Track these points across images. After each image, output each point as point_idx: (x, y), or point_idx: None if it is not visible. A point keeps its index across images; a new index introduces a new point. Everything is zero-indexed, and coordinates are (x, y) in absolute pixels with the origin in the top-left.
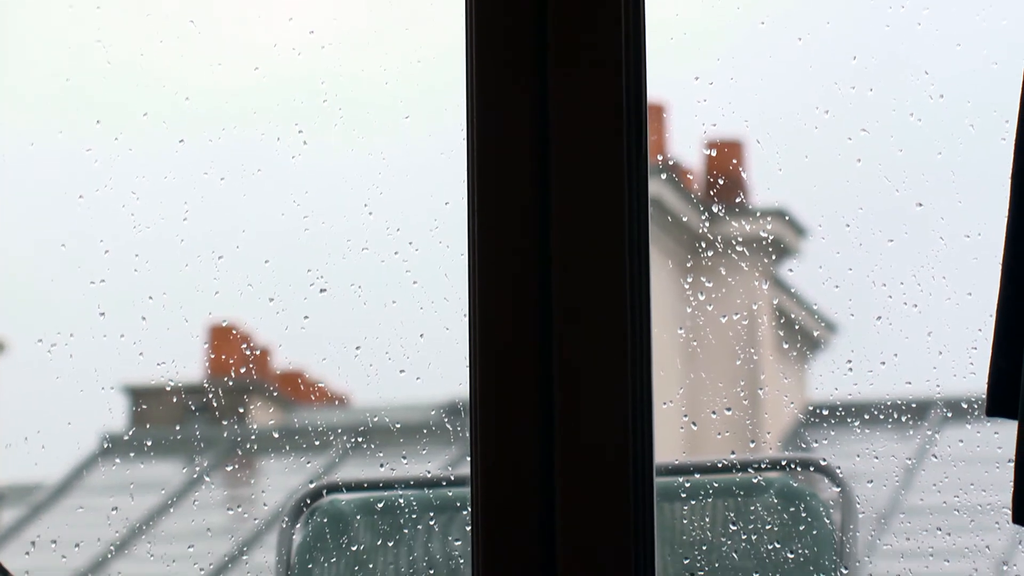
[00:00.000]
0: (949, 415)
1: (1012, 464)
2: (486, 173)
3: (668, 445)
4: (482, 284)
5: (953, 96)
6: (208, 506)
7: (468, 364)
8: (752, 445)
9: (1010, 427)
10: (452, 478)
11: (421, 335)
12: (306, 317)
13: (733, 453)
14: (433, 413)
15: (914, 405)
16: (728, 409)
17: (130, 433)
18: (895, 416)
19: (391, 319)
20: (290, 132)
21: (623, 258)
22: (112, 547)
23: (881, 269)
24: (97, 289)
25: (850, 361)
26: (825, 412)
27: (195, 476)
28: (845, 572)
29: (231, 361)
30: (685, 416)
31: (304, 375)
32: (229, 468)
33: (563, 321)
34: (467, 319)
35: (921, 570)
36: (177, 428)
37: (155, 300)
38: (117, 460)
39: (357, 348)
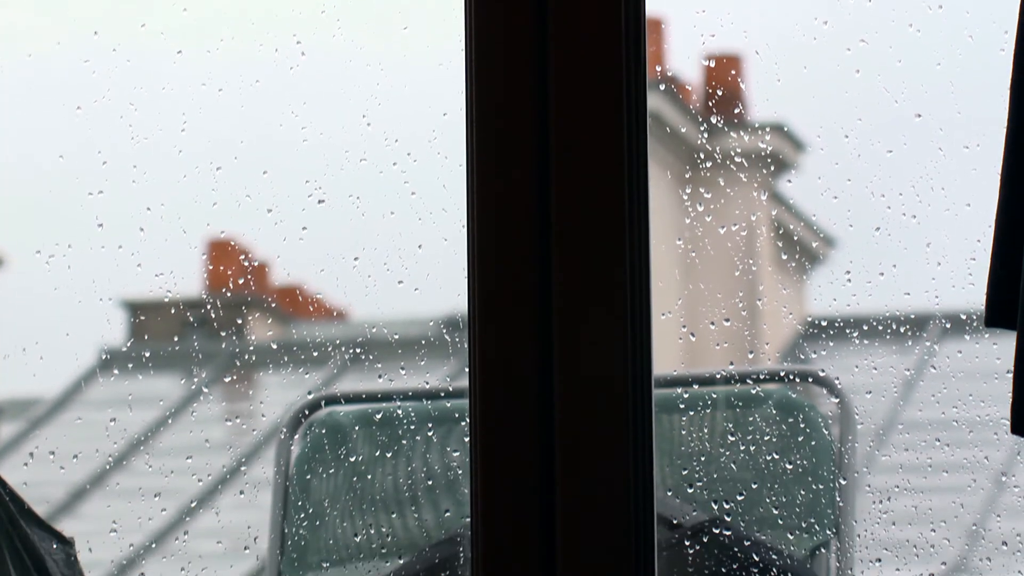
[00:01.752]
0: (948, 326)
1: (1011, 376)
2: (484, 84)
3: (667, 356)
4: (480, 195)
5: (952, 6)
6: (206, 419)
7: (467, 276)
8: (751, 356)
9: (1009, 339)
10: (451, 389)
11: (420, 246)
12: (304, 228)
13: (732, 364)
14: (432, 324)
15: (913, 317)
16: (727, 320)
17: (128, 344)
18: (894, 327)
19: (389, 230)
20: (288, 43)
21: (622, 170)
22: (110, 458)
23: (880, 180)
24: (95, 201)
25: (849, 272)
26: (824, 323)
27: (193, 389)
28: (843, 483)
29: (229, 271)
30: (684, 327)
31: (302, 289)
32: (228, 380)
33: (562, 232)
34: (465, 230)
35: (920, 483)
36: (175, 339)
37: (153, 212)
38: (116, 371)
39: (355, 259)
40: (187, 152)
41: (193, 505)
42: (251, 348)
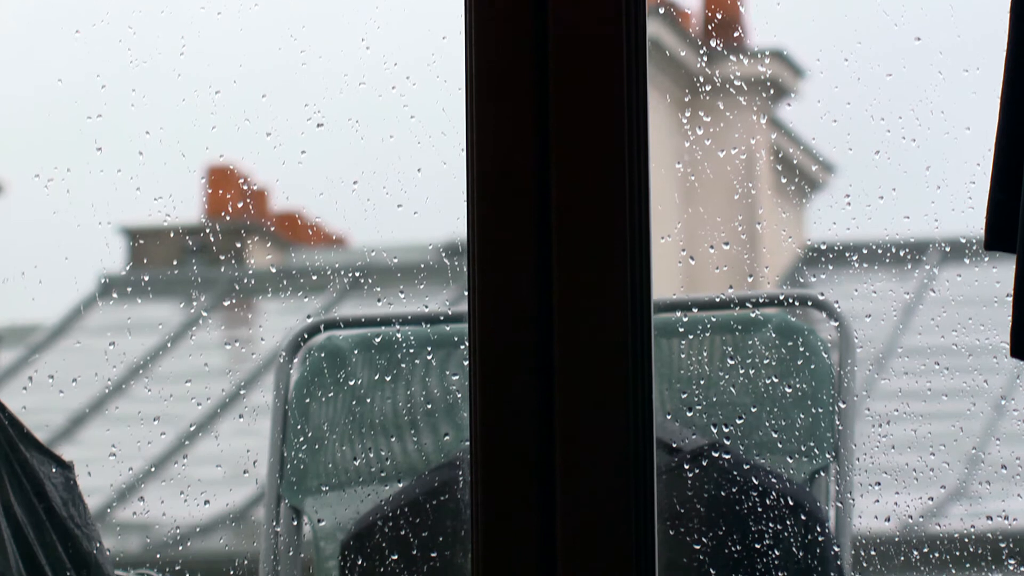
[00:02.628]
0: (948, 251)
1: (1011, 300)
2: (483, 7)
3: (666, 280)
4: (479, 118)
5: None
6: (206, 345)
7: (466, 200)
8: (750, 280)
9: (1008, 263)
10: (450, 313)
11: (419, 170)
12: (303, 152)
13: (731, 288)
14: (431, 247)
15: (912, 241)
16: (726, 244)
17: (126, 269)
18: (893, 251)
19: (388, 154)
20: None
21: (622, 94)
22: (109, 380)
23: (879, 104)
24: (94, 125)
25: (848, 197)
26: (823, 247)
27: (192, 314)
28: (843, 407)
29: (228, 195)
30: (683, 251)
31: (301, 215)
32: (227, 305)
33: (562, 155)
34: (464, 154)
35: (919, 408)
36: (175, 264)
37: (152, 136)
38: (115, 295)
39: (355, 183)
40: (186, 76)
41: (192, 428)
42: (250, 272)
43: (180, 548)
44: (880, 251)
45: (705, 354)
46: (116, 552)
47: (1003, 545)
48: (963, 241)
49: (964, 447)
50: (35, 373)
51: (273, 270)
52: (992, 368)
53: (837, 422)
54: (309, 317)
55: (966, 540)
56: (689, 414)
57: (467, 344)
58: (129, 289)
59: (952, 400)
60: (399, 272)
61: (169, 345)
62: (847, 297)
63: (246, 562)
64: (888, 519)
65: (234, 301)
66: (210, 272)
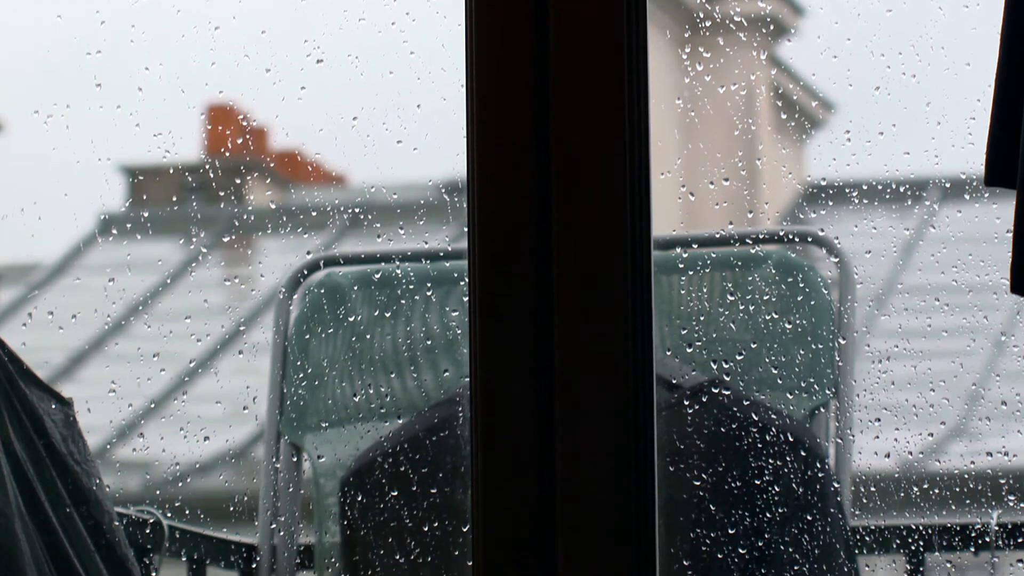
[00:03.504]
0: (948, 186)
1: (1011, 236)
2: None
3: (666, 216)
4: (479, 53)
5: None
6: (206, 283)
7: (466, 135)
8: (750, 216)
9: (1008, 200)
10: (450, 250)
11: (418, 106)
12: (303, 88)
13: (731, 224)
14: (431, 183)
15: (912, 177)
16: (726, 180)
17: (126, 206)
18: (893, 187)
19: (388, 90)
20: None
21: (621, 31)
22: (108, 317)
23: (879, 40)
24: (93, 61)
25: (848, 133)
26: (823, 183)
27: (192, 250)
28: (843, 343)
29: (228, 131)
30: (683, 187)
31: (301, 152)
32: (227, 245)
33: (561, 91)
34: (464, 90)
35: (919, 345)
36: (174, 200)
37: (152, 72)
38: (114, 231)
39: (354, 119)
40: (185, 12)
41: (192, 364)
42: (249, 209)
43: (180, 485)
44: (880, 187)
45: (705, 290)
46: (116, 490)
47: (1003, 482)
48: (963, 177)
49: (964, 384)
50: (35, 310)
51: (273, 206)
52: (992, 305)
53: (837, 358)
54: (309, 254)
55: (966, 477)
56: (689, 350)
57: (467, 279)
58: (129, 226)
59: (952, 337)
60: (399, 209)
61: (169, 282)
62: (847, 234)
63: (246, 498)
64: (888, 455)
65: (234, 238)
66: (210, 210)
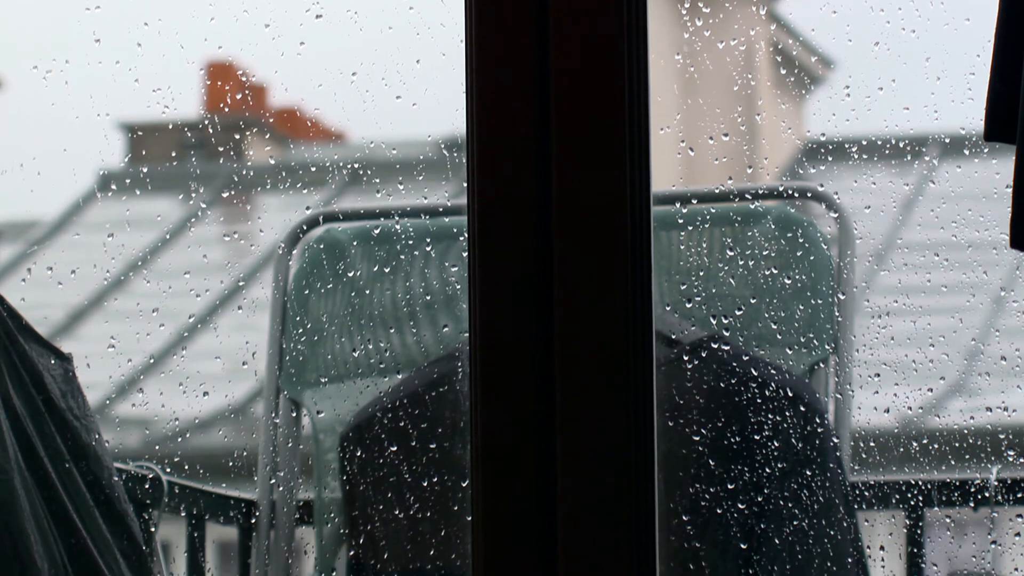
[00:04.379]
0: (947, 142)
1: (1010, 191)
2: None
3: (665, 172)
4: (478, 7)
5: None
6: (205, 240)
7: (465, 91)
8: (749, 171)
9: (1008, 157)
10: (449, 205)
11: (417, 61)
12: (302, 44)
13: (730, 179)
14: (430, 138)
15: (912, 132)
16: (725, 135)
17: (125, 160)
18: (893, 143)
19: (387, 45)
20: None
21: None
22: (107, 272)
23: None
24: (92, 16)
25: (847, 88)
26: (822, 138)
27: (191, 205)
28: (842, 298)
29: (227, 86)
30: (683, 142)
31: (300, 110)
32: (226, 201)
33: (561, 46)
34: (463, 44)
35: (919, 301)
36: (173, 155)
37: (151, 28)
38: (114, 186)
39: (353, 75)
40: None
41: (191, 319)
42: (249, 164)
43: (179, 440)
44: (880, 143)
45: (704, 246)
46: (115, 446)
47: (1002, 437)
48: (963, 133)
49: (964, 340)
50: (34, 266)
51: (272, 161)
52: (992, 262)
53: (836, 314)
54: (308, 209)
55: (965, 432)
56: (688, 306)
57: (467, 235)
58: (128, 181)
59: (952, 293)
60: (398, 164)
61: (168, 238)
62: (846, 190)
63: (245, 454)
64: (887, 410)
65: (233, 192)
66: (209, 166)
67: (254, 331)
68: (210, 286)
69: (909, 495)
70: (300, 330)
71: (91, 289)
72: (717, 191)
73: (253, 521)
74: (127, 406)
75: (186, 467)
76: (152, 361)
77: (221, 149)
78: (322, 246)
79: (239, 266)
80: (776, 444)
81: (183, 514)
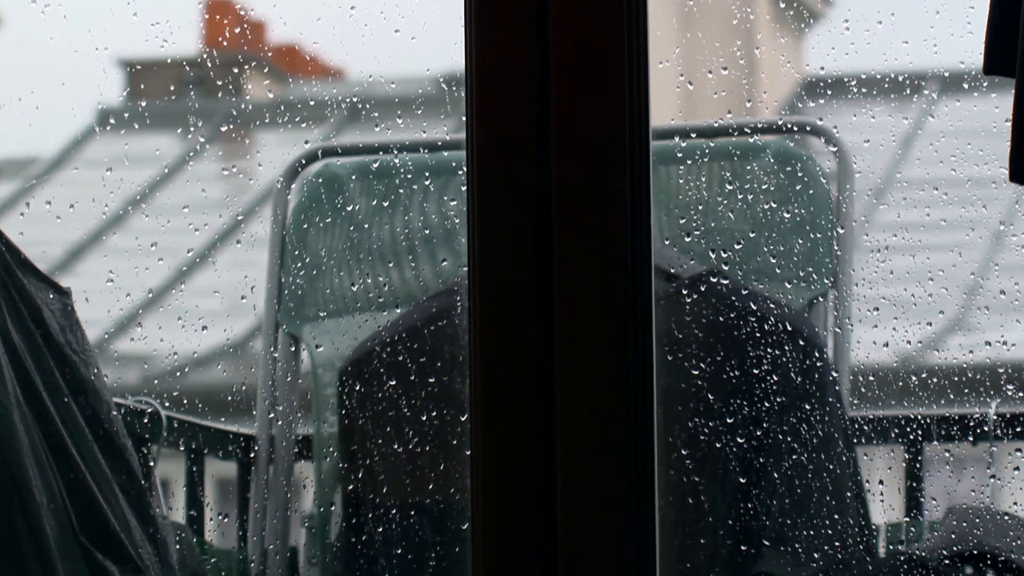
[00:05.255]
0: (946, 76)
1: (1009, 124)
2: None
3: (664, 107)
4: None
5: None
6: (204, 176)
7: (463, 24)
8: (748, 105)
9: (1008, 92)
10: (448, 139)
11: None
12: None
13: (729, 114)
14: (429, 72)
15: (911, 67)
16: (724, 69)
17: (123, 95)
18: (892, 77)
19: None
20: None
21: None
22: (106, 206)
23: None
24: None
25: (847, 22)
26: (822, 72)
27: (190, 139)
28: (841, 232)
29: (226, 24)
30: (682, 76)
31: (299, 46)
32: (225, 137)
33: None
34: None
35: (919, 237)
36: (172, 88)
37: None
38: (112, 120)
39: (352, 8)
40: None
41: (190, 253)
42: (247, 99)
43: (178, 375)
44: (879, 78)
45: (703, 180)
46: (114, 382)
47: (1001, 371)
48: (962, 67)
49: (963, 275)
50: (32, 200)
51: (271, 95)
52: (992, 198)
53: (836, 248)
54: (307, 143)
55: (964, 367)
56: (687, 240)
57: (465, 169)
58: (127, 116)
59: (951, 229)
60: (397, 98)
61: (167, 172)
62: (846, 125)
63: (244, 387)
64: (887, 345)
65: (232, 127)
66: (208, 103)
67: (253, 267)
68: (209, 221)
69: (908, 430)
70: (299, 265)
71: (90, 225)
72: (716, 125)
73: (252, 456)
74: (126, 342)
75: (185, 402)
76: (151, 295)
77: (220, 84)
78: (321, 180)
79: (238, 202)
80: (775, 378)
81: (182, 449)
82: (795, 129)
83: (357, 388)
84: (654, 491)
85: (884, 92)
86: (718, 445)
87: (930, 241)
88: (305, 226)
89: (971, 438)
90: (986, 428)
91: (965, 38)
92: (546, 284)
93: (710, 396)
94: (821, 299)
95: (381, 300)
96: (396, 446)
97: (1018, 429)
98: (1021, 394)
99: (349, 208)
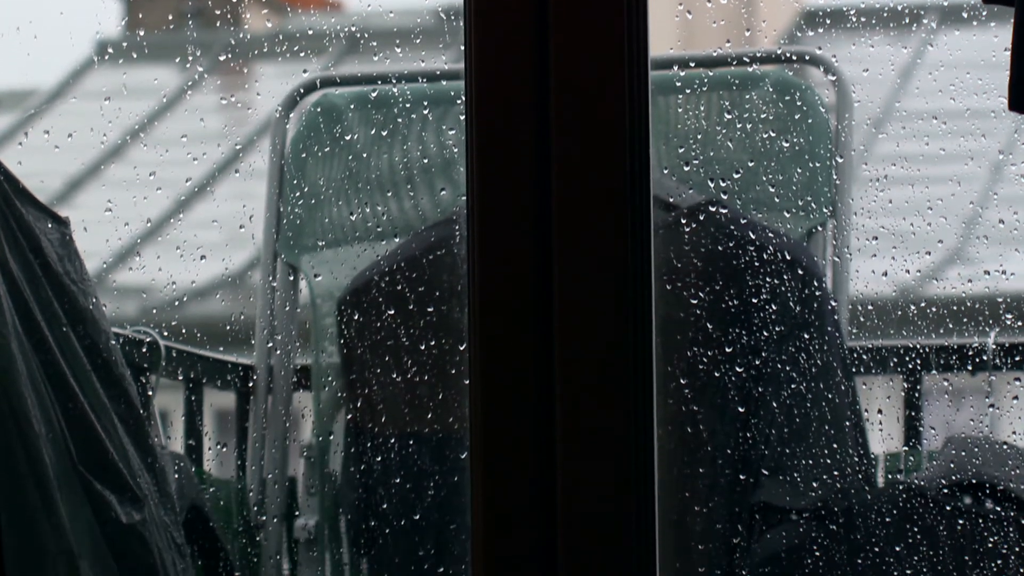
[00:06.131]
0: (946, 5)
1: (1008, 53)
2: None
3: (663, 36)
4: None
5: None
6: (203, 109)
7: None
8: (747, 35)
9: (1007, 22)
10: (447, 68)
11: None
12: None
13: (728, 43)
14: (428, 2)
15: None
16: None
17: (121, 27)
18: (892, 6)
19: None
20: None
21: None
22: (104, 136)
23: None
24: None
25: None
26: (821, 1)
27: (188, 69)
28: (840, 161)
29: None
30: (680, 4)
31: None
32: (224, 68)
33: None
34: None
35: (917, 168)
36: (170, 17)
37: None
38: (111, 50)
39: None
40: None
41: (188, 182)
42: (246, 29)
43: (176, 305)
44: (878, 7)
45: (702, 110)
46: (113, 312)
47: (1000, 301)
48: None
49: (963, 206)
50: (31, 130)
51: (269, 25)
52: (992, 130)
53: (835, 177)
54: (305, 72)
55: (963, 296)
56: (686, 169)
57: (464, 98)
58: (125, 46)
59: (950, 161)
60: (396, 29)
61: (165, 102)
62: (845, 56)
63: (242, 317)
64: (885, 273)
65: (230, 58)
66: (206, 34)
67: (252, 198)
68: (208, 152)
69: (907, 360)
70: (297, 195)
71: (88, 157)
72: (715, 55)
73: (251, 386)
74: (124, 273)
75: (184, 332)
76: (149, 224)
77: (218, 14)
78: (319, 110)
79: (237, 133)
80: (774, 308)
81: (180, 379)
82: (794, 59)
83: (356, 318)
84: (653, 419)
85: (883, 22)
86: (717, 374)
87: (929, 171)
88: (303, 156)
89: (970, 368)
90: (985, 358)
91: None
92: (545, 213)
93: (709, 325)
94: (820, 229)
95: (380, 230)
96: (395, 375)
97: (1017, 359)
98: (1020, 324)
99: (347, 138)
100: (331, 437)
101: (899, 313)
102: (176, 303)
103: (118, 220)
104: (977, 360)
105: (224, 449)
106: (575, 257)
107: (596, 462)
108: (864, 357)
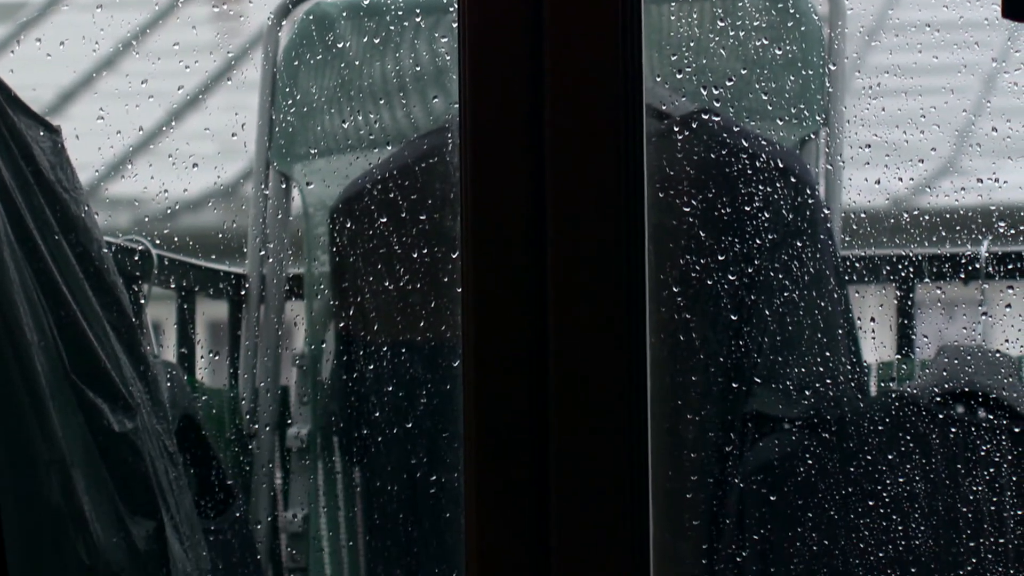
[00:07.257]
0: None
1: None
2: None
3: None
4: None
5: None
6: (196, 19)
7: None
8: None
9: None
10: None
11: None
12: None
13: None
14: None
15: None
16: None
17: None
18: None
19: None
20: None
21: None
22: (96, 44)
23: None
24: None
25: None
26: None
27: None
28: (833, 68)
29: None
30: None
31: None
32: None
33: None
34: None
35: (911, 77)
36: None
37: None
38: None
39: None
40: None
41: (180, 90)
42: None
43: (169, 214)
44: None
45: (695, 18)
46: (105, 223)
47: (993, 210)
48: None
49: (956, 116)
50: (23, 39)
51: None
52: (985, 39)
53: (827, 85)
54: None
55: (956, 204)
56: (679, 77)
57: (456, 8)
58: None
59: (944, 71)
60: None
61: (157, 8)
62: None
63: (235, 225)
64: (878, 182)
65: None
66: None
67: (245, 109)
68: (200, 61)
69: (900, 268)
70: (289, 103)
71: (81, 67)
72: None
73: (243, 294)
74: (117, 183)
75: (176, 241)
76: (141, 132)
77: None
78: (312, 19)
79: (229, 43)
80: (766, 215)
81: (172, 287)
82: None
83: (348, 226)
84: (645, 326)
85: None
86: (709, 282)
87: (922, 81)
88: (296, 64)
89: (962, 276)
90: (977, 267)
91: None
92: (537, 120)
93: (701, 233)
94: (812, 137)
95: (372, 138)
96: (387, 284)
97: (1009, 267)
98: (1012, 232)
99: (340, 46)
100: (323, 346)
101: (892, 222)
102: (168, 212)
103: (110, 129)
104: (970, 269)
105: (216, 358)
106: (568, 163)
107: (590, 363)
108: (857, 266)
